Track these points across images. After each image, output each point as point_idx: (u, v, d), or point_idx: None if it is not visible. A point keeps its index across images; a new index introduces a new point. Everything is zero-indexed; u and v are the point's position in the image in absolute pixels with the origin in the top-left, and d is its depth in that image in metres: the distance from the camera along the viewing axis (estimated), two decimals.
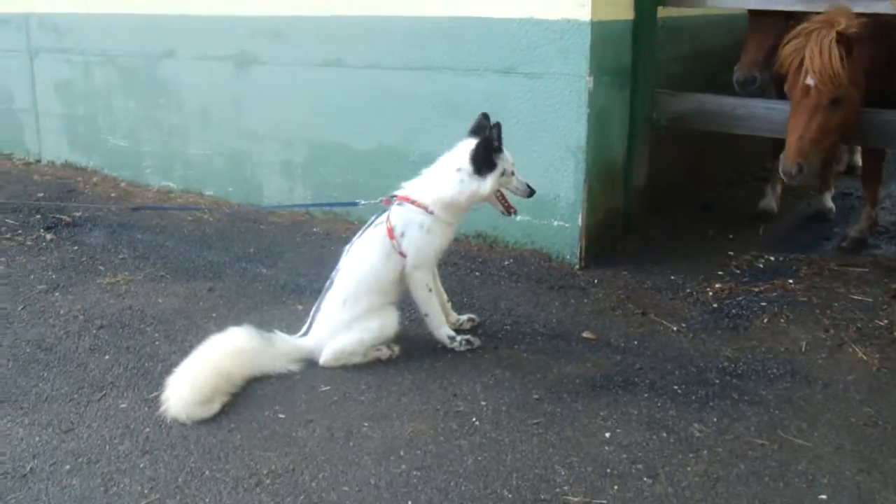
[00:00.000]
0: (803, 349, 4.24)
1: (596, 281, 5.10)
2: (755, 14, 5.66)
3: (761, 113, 5.38)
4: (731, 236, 5.81)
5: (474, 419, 3.64)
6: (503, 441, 3.48)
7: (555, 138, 5.24)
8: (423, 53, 5.66)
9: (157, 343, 4.41)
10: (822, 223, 6.23)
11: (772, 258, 5.41)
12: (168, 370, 3.88)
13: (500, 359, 4.18)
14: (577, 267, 5.27)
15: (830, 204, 6.38)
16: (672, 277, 5.12)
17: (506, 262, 5.38)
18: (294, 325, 4.29)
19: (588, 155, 5.18)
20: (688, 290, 4.94)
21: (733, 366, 4.06)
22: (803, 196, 6.61)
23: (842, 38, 4.74)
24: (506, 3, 5.32)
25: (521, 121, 5.33)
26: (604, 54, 5.20)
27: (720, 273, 5.18)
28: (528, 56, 5.28)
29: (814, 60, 4.78)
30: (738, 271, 5.22)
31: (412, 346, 4.29)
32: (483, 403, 3.76)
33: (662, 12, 5.64)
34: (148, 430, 3.59)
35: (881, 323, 4.48)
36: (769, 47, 5.46)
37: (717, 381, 3.92)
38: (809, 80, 4.82)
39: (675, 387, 3.87)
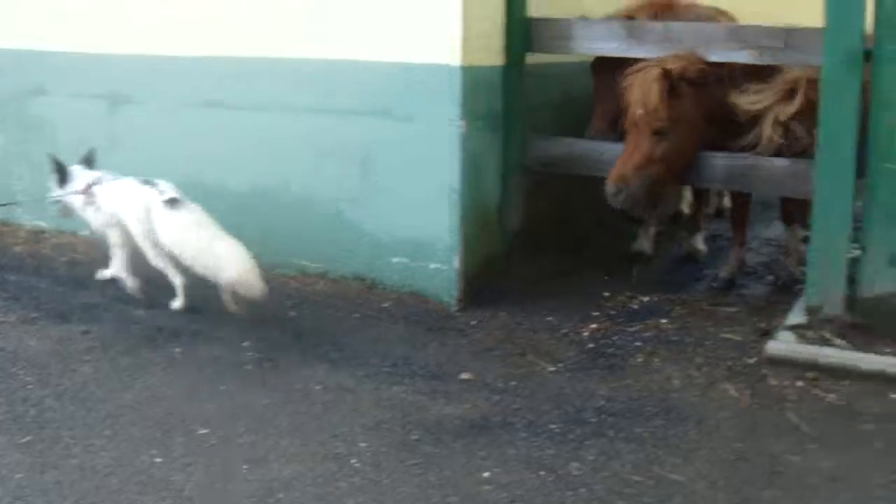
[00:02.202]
0: (677, 387, 4.33)
1: (474, 322, 5.12)
2: (600, 71, 5.84)
3: None
4: (606, 278, 5.90)
5: (353, 461, 3.62)
6: (383, 482, 3.47)
7: (430, 181, 5.28)
8: (301, 96, 5.65)
9: (29, 387, 4.26)
10: (693, 264, 6.39)
11: (646, 299, 5.52)
12: (41, 414, 3.77)
13: (379, 400, 4.17)
14: (456, 309, 5.29)
15: (701, 245, 6.55)
16: (549, 318, 5.17)
17: (385, 305, 5.37)
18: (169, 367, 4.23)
19: (463, 198, 5.23)
20: (564, 331, 5.00)
21: (609, 404, 4.12)
22: (675, 238, 6.78)
23: (666, 76, 5.07)
24: (381, 48, 5.36)
25: (394, 164, 5.38)
26: (476, 99, 5.27)
27: (596, 314, 5.26)
28: (402, 100, 5.32)
29: (635, 93, 5.14)
30: (613, 312, 5.31)
31: (290, 388, 4.25)
32: (362, 445, 3.75)
33: (532, 58, 5.73)
34: (20, 475, 3.46)
35: (750, 361, 4.61)
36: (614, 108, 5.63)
37: (594, 420, 3.97)
38: (636, 111, 5.13)
39: (553, 426, 3.91)
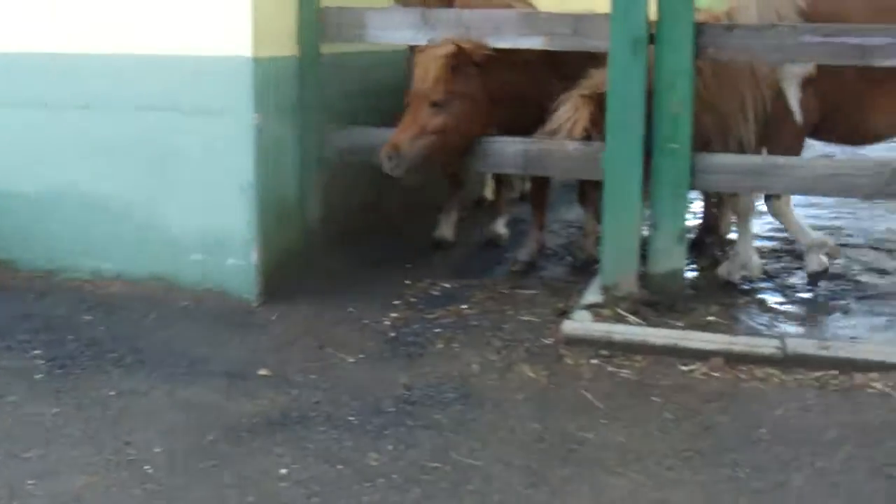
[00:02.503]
0: (476, 372, 4.36)
1: (274, 317, 5.04)
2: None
3: None
4: (408, 265, 5.91)
5: (147, 467, 3.50)
6: (177, 486, 3.37)
7: (225, 176, 5.16)
8: (90, 92, 5.41)
9: None
10: (495, 249, 6.46)
11: (447, 285, 5.56)
12: None
13: (174, 402, 4.06)
14: (256, 304, 5.19)
15: (503, 230, 6.63)
16: (350, 309, 5.13)
17: (183, 304, 5.22)
18: None
19: (259, 191, 5.14)
20: (365, 321, 4.98)
21: (408, 393, 4.12)
22: (479, 223, 6.85)
23: (451, 54, 5.19)
24: (171, 41, 5.20)
25: (190, 159, 5.23)
26: (270, 91, 5.19)
27: (397, 302, 5.26)
28: (195, 93, 5.19)
29: (420, 68, 5.24)
30: (414, 299, 5.32)
31: (82, 396, 4.09)
32: (157, 450, 3.63)
33: (328, 48, 5.67)
34: None
35: (548, 341, 4.69)
36: None
37: (393, 410, 3.95)
38: (418, 84, 5.26)
39: (352, 418, 3.87)
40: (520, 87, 5.58)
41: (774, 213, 5.69)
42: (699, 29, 4.98)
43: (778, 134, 5.48)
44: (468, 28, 5.36)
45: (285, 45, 5.38)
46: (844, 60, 4.98)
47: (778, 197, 5.52)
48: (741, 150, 5.42)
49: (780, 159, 5.26)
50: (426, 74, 5.22)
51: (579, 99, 5.22)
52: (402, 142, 5.18)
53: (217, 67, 5.12)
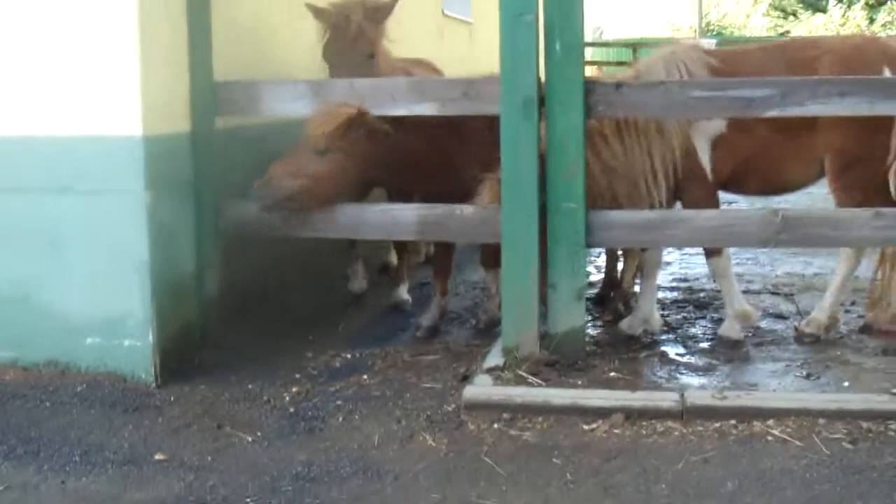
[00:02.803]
0: (376, 443, 4.32)
1: (172, 398, 4.94)
2: None
3: (323, 215, 5.48)
4: (310, 337, 5.86)
5: None
6: None
7: (118, 256, 5.08)
8: None
9: None
10: (399, 314, 6.45)
11: (349, 355, 5.51)
12: None
13: (67, 495, 3.96)
14: (154, 385, 5.09)
15: (406, 296, 6.63)
16: (250, 386, 5.06)
17: (79, 389, 5.09)
18: None
19: (153, 270, 5.07)
20: (265, 398, 4.90)
21: (307, 470, 4.06)
22: (382, 288, 6.84)
23: (349, 114, 5.33)
24: (59, 121, 5.13)
25: (81, 240, 5.14)
26: (161, 168, 5.14)
27: (298, 376, 5.20)
28: (84, 174, 5.11)
29: (318, 115, 5.41)
30: (315, 372, 5.26)
31: None
32: None
33: (224, 121, 5.66)
34: None
35: (450, 408, 4.66)
36: None
37: (291, 488, 3.90)
38: (308, 130, 5.44)
39: (248, 499, 3.81)
40: (415, 151, 5.60)
41: (714, 271, 5.73)
42: (589, 88, 5.06)
43: (689, 190, 5.55)
44: (361, 97, 5.39)
45: (177, 122, 5.34)
46: (731, 113, 5.12)
47: (719, 254, 5.55)
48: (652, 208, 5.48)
49: (673, 213, 5.36)
50: (320, 123, 5.34)
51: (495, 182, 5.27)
52: (275, 176, 5.36)
53: (106, 147, 5.06)
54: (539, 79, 5.04)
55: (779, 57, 5.56)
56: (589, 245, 5.16)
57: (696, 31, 39.41)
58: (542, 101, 5.05)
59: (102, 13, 5.02)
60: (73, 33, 5.07)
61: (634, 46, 26.50)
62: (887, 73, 5.32)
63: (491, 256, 6.00)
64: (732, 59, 5.60)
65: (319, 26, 5.99)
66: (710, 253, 5.58)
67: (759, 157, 5.55)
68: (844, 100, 4.94)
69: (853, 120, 5.19)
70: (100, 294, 5.17)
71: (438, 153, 5.68)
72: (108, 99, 5.05)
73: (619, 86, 5.11)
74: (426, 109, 5.32)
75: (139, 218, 5.05)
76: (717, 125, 5.46)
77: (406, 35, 8.26)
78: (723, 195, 5.74)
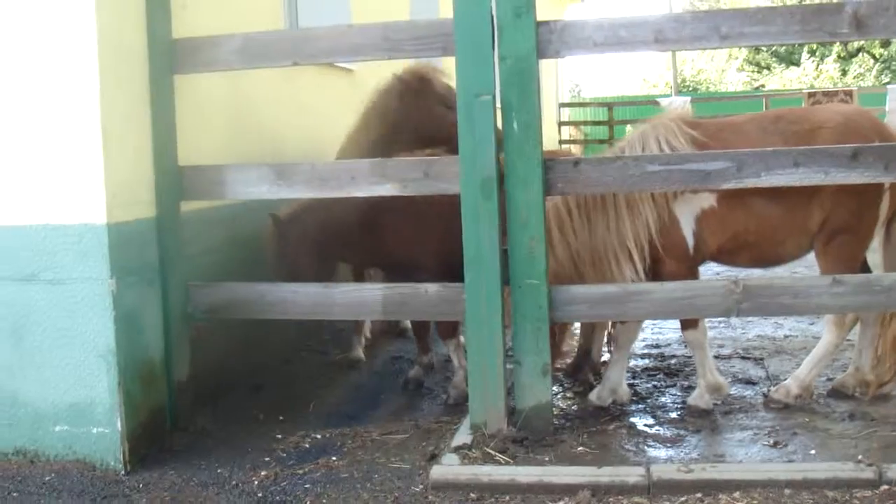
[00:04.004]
0: None
1: (141, 485, 4.93)
2: None
3: (291, 297, 5.55)
4: (281, 418, 5.86)
5: None
6: None
7: (84, 344, 5.10)
8: None
9: None
10: (369, 391, 6.47)
11: (318, 436, 5.50)
12: None
13: None
14: (123, 472, 5.08)
15: (361, 355, 6.97)
16: (220, 471, 5.05)
17: (47, 478, 5.07)
18: None
19: (120, 357, 5.08)
20: (234, 482, 4.89)
21: None
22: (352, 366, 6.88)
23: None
24: (21, 211, 5.17)
25: (46, 329, 5.16)
26: (126, 255, 5.17)
27: (267, 459, 5.18)
28: (48, 263, 5.14)
29: None
30: (284, 454, 5.25)
31: None
32: None
33: (190, 204, 5.71)
34: None
35: (417, 489, 4.66)
36: None
37: None
38: None
39: None
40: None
41: (689, 341, 5.78)
42: (547, 165, 5.14)
43: (667, 263, 5.60)
44: (323, 180, 5.46)
45: (142, 208, 5.39)
46: (690, 185, 5.18)
47: (695, 326, 5.60)
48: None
49: (636, 286, 5.40)
50: None
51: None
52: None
53: (71, 236, 5.09)
54: (498, 157, 5.10)
55: (772, 129, 5.58)
56: (553, 320, 5.21)
57: (671, 87, 39.85)
58: (501, 179, 5.12)
59: (65, 102, 5.07)
60: (37, 122, 5.13)
61: (610, 105, 26.87)
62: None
63: (447, 326, 6.07)
64: (721, 131, 5.64)
65: None
66: (686, 325, 5.62)
67: (752, 231, 5.59)
68: (799, 170, 5.01)
69: (844, 191, 5.28)
70: (67, 382, 5.18)
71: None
72: (71, 188, 5.09)
73: (577, 162, 5.20)
74: (388, 190, 5.38)
75: (104, 305, 5.07)
76: (706, 198, 5.52)
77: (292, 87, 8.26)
78: None
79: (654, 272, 5.64)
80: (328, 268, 6.41)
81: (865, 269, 5.86)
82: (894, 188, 5.45)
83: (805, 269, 7.63)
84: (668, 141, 5.46)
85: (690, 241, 5.55)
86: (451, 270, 5.49)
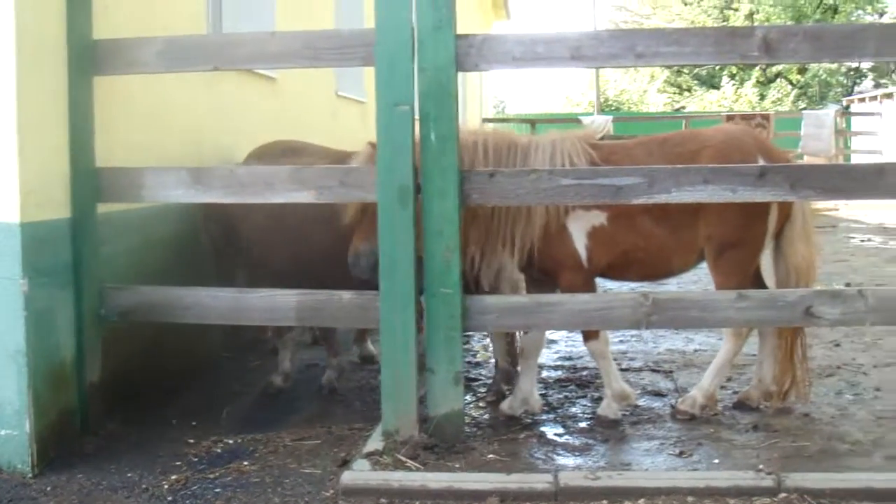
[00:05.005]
0: None
1: (49, 489, 4.88)
2: None
3: (207, 301, 5.56)
4: (193, 423, 5.84)
5: None
6: None
7: None
8: None
9: None
10: (284, 397, 6.47)
11: (231, 441, 5.50)
12: None
13: None
14: (31, 475, 5.02)
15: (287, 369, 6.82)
16: (129, 475, 5.02)
17: None
18: None
19: (30, 358, 5.03)
20: (144, 486, 4.87)
21: None
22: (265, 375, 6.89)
23: None
24: None
25: None
26: (39, 254, 5.13)
27: (178, 463, 5.17)
28: None
29: None
30: (195, 459, 5.24)
31: None
32: None
33: (108, 206, 5.68)
34: None
35: (328, 493, 4.69)
36: None
37: None
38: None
39: None
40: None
41: (592, 352, 5.87)
42: (463, 176, 5.21)
43: (564, 276, 5.72)
44: (242, 185, 5.47)
45: (57, 208, 5.33)
46: (601, 199, 5.29)
47: (596, 337, 5.71)
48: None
49: (548, 297, 5.51)
50: None
51: None
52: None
53: None
54: (415, 167, 5.16)
55: (658, 152, 5.76)
56: (465, 329, 5.28)
57: (594, 106, 40.32)
58: (418, 189, 5.18)
59: None
60: None
61: (533, 122, 27.08)
62: (762, 162, 5.57)
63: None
64: (613, 153, 5.78)
65: None
66: (588, 336, 5.74)
67: (641, 248, 5.75)
68: (708, 187, 5.15)
69: (729, 209, 5.44)
70: None
71: None
72: None
73: (492, 174, 5.26)
74: (304, 197, 5.40)
75: (15, 305, 5.02)
76: (597, 216, 5.66)
77: (301, 114, 8.41)
78: None
79: (556, 283, 5.79)
80: None
81: (759, 280, 6.05)
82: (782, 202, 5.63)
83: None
84: (570, 157, 5.58)
85: (583, 255, 5.69)
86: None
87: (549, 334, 7.34)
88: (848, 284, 10.01)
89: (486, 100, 30.76)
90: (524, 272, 5.91)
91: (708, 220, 5.62)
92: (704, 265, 5.91)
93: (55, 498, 4.79)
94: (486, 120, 28.12)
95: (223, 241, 6.82)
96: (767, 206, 5.62)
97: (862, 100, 32.19)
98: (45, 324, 5.20)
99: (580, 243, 5.67)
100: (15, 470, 5.06)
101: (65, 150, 5.39)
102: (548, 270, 5.77)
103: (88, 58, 5.49)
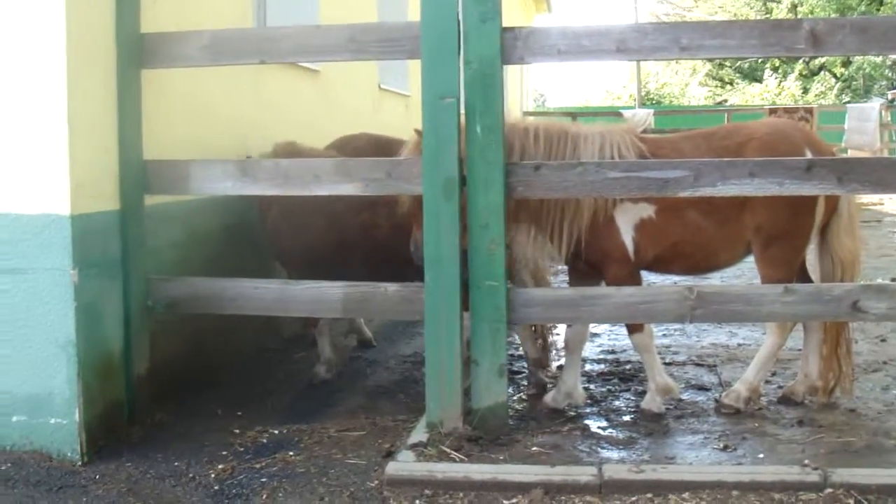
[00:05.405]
0: None
1: (98, 476, 4.95)
2: None
3: (250, 293, 5.60)
4: (239, 413, 5.89)
5: None
6: None
7: (44, 334, 5.11)
8: None
9: None
10: (328, 388, 6.51)
11: (276, 431, 5.55)
12: None
13: None
14: (80, 463, 5.09)
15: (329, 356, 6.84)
16: (176, 464, 5.08)
17: (3, 467, 5.07)
18: None
19: (79, 349, 5.10)
20: (191, 475, 4.93)
21: None
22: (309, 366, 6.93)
23: None
24: None
25: (6, 318, 5.16)
26: (89, 246, 5.19)
27: (224, 453, 5.22)
28: (10, 251, 5.14)
29: None
30: (241, 449, 5.29)
31: None
32: None
33: (151, 200, 5.73)
34: None
35: (372, 484, 4.72)
36: None
37: None
38: None
39: None
40: None
41: (636, 346, 5.86)
42: (509, 169, 5.21)
43: (610, 268, 5.71)
44: (287, 177, 5.50)
45: (107, 200, 5.40)
46: (647, 193, 5.27)
47: (641, 330, 5.71)
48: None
49: (593, 290, 5.50)
50: None
51: None
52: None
53: (33, 225, 5.11)
54: (461, 159, 5.17)
55: (704, 145, 5.75)
56: (510, 322, 5.29)
57: (635, 99, 40.16)
58: (463, 181, 5.20)
59: (32, 94, 5.09)
60: (2, 113, 5.15)
61: (574, 115, 27.00)
62: (808, 155, 5.53)
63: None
64: (661, 147, 5.77)
65: None
66: (633, 329, 5.73)
67: (688, 242, 5.74)
68: (754, 180, 5.12)
69: (778, 200, 5.40)
70: (26, 372, 5.18)
71: None
72: (35, 177, 5.11)
73: (538, 167, 5.26)
74: (350, 189, 5.44)
75: (66, 297, 5.09)
76: (645, 209, 5.65)
77: (343, 107, 8.46)
78: None
79: (601, 275, 5.79)
80: None
81: (805, 275, 6.01)
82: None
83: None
84: (619, 148, 5.57)
85: (630, 248, 5.67)
86: None
87: (593, 327, 7.30)
88: (894, 279, 9.90)
89: (526, 93, 30.71)
90: (570, 265, 5.89)
91: (756, 211, 5.58)
92: (748, 259, 5.88)
93: (104, 485, 4.85)
94: (526, 113, 28.09)
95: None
96: (815, 198, 5.58)
97: None
98: (94, 315, 5.26)
99: (627, 236, 5.66)
100: (65, 458, 5.14)
101: (114, 143, 5.45)
102: (594, 262, 5.75)
103: (136, 51, 5.55)
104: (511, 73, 22.95)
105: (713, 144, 5.74)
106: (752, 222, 5.62)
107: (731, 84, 47.94)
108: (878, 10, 40.47)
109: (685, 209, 5.61)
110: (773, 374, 6.47)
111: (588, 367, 6.89)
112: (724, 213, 5.59)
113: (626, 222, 5.67)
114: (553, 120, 29.62)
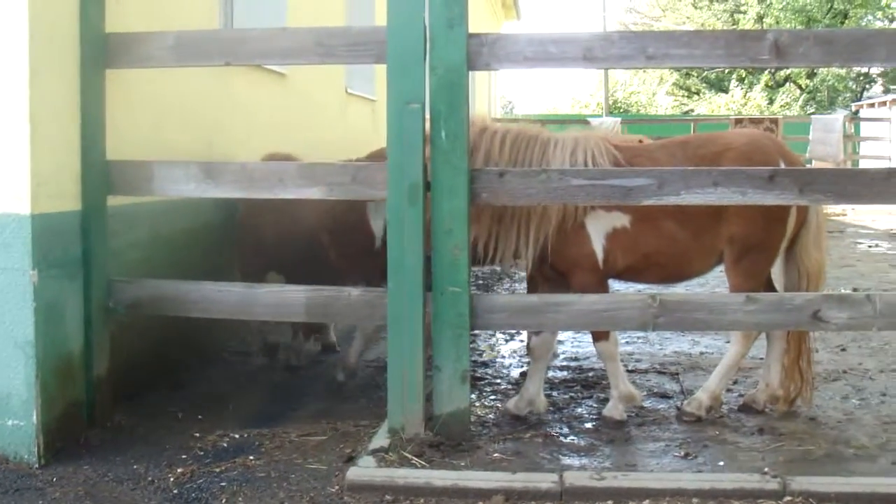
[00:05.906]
0: None
1: (55, 479, 4.89)
2: None
3: (213, 296, 5.56)
4: (200, 416, 5.85)
5: None
6: None
7: (2, 335, 5.06)
8: None
9: None
10: (291, 393, 6.48)
11: (237, 435, 5.51)
12: None
13: None
14: (38, 466, 5.03)
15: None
16: (135, 467, 5.03)
17: None
18: None
19: (38, 350, 5.04)
20: (150, 479, 4.88)
21: None
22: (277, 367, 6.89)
23: None
24: None
25: None
26: (49, 246, 5.14)
27: (184, 457, 5.18)
28: None
29: None
30: (201, 453, 5.24)
31: None
32: None
33: (114, 200, 5.69)
34: None
35: (333, 489, 4.69)
36: None
37: None
38: None
39: None
40: None
41: (601, 353, 5.87)
42: (473, 175, 5.21)
43: (578, 276, 5.70)
44: (252, 180, 5.48)
45: (68, 200, 5.34)
46: (612, 200, 5.29)
47: (607, 338, 5.71)
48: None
49: (556, 297, 5.50)
50: None
51: None
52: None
53: None
54: (425, 165, 5.17)
55: (681, 154, 5.76)
56: (473, 328, 5.28)
57: (602, 108, 40.32)
58: (428, 187, 5.19)
59: None
60: None
61: (541, 122, 27.05)
62: (782, 166, 5.57)
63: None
64: (637, 155, 5.77)
65: None
66: (598, 336, 5.74)
67: (663, 252, 5.75)
68: (717, 189, 5.14)
69: (752, 212, 5.44)
70: None
71: None
72: None
73: (502, 174, 5.27)
74: (315, 193, 5.42)
75: (25, 297, 5.03)
76: (618, 218, 5.66)
77: (309, 110, 8.45)
78: None
79: (567, 282, 5.78)
80: None
81: (770, 285, 6.06)
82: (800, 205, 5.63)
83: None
84: (593, 155, 5.57)
85: (600, 256, 5.67)
86: None
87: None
88: (855, 289, 10.00)
89: (494, 100, 30.76)
90: (537, 270, 5.89)
91: (731, 221, 5.61)
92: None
93: (61, 488, 4.80)
94: (494, 120, 28.14)
95: None
96: (787, 209, 5.62)
97: (871, 105, 32.23)
98: (54, 315, 5.21)
99: (598, 244, 5.66)
100: (21, 460, 5.08)
101: (76, 143, 5.39)
102: (561, 269, 5.75)
103: (101, 51, 5.50)
104: (479, 79, 23.00)
105: (689, 153, 5.75)
106: (726, 232, 5.65)
107: (697, 94, 48.28)
108: (843, 23, 40.95)
109: (661, 219, 5.61)
110: (735, 383, 6.50)
111: (551, 373, 6.90)
112: (699, 223, 5.61)
113: (598, 230, 5.66)
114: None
